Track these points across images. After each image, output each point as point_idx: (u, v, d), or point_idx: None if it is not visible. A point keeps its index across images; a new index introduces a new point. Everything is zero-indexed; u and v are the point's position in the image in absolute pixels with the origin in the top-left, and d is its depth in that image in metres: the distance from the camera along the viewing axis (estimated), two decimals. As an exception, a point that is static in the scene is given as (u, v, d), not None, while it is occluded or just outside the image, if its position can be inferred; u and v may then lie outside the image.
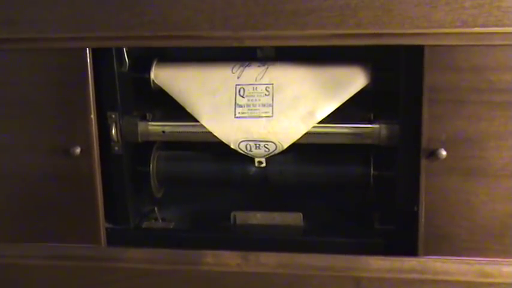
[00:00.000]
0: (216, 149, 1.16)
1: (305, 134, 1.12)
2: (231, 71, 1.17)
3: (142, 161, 1.19)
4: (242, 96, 1.16)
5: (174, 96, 1.16)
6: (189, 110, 1.15)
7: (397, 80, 1.05)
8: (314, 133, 1.13)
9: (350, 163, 1.18)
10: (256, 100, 1.15)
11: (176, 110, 1.16)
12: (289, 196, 1.24)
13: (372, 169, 1.14)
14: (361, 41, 1.02)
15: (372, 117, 1.12)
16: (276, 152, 1.14)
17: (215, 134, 1.16)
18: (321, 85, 1.17)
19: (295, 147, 1.13)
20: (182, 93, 1.17)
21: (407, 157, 1.05)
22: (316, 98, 1.14)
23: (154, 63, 1.19)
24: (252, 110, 1.15)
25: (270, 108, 1.15)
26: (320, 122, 1.13)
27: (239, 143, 1.17)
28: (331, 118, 1.12)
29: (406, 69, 1.03)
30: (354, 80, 1.13)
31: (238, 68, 1.17)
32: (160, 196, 1.25)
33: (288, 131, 1.14)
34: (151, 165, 1.20)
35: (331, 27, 1.02)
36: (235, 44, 1.05)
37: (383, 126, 1.11)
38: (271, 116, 1.17)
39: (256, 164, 1.18)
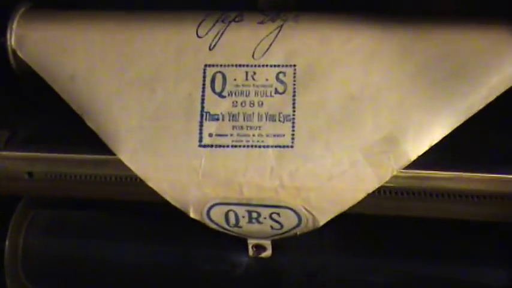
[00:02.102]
0: (159, 214, 0.56)
1: (377, 190, 0.48)
2: (195, 33, 0.52)
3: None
4: (219, 95, 0.51)
5: (59, 90, 0.53)
6: (93, 126, 0.51)
7: None
8: (396, 189, 0.50)
9: (472, 258, 0.54)
10: (252, 105, 0.50)
11: (63, 125, 0.55)
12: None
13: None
14: None
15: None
16: (300, 230, 0.51)
17: (152, 185, 0.50)
18: (414, 73, 0.49)
19: (343, 218, 0.50)
20: (79, 84, 0.52)
21: None
22: (405, 103, 0.49)
23: (19, 12, 0.56)
24: (242, 128, 0.50)
25: (287, 126, 0.49)
26: (412, 166, 0.48)
27: (209, 207, 0.50)
28: (438, 157, 0.49)
29: None
30: (494, 66, 0.49)
31: (212, 25, 0.53)
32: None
33: (333, 184, 0.49)
34: (7, 243, 0.58)
35: None
36: None
37: None
38: (290, 146, 0.49)
39: (251, 253, 0.55)
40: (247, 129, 0.49)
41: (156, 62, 0.51)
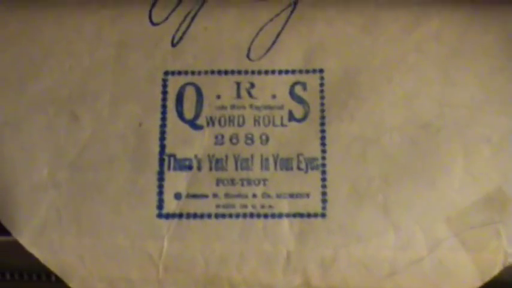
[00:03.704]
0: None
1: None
2: (146, 18, 0.31)
3: None
4: (192, 124, 0.29)
5: None
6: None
7: None
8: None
9: None
10: (251, 141, 0.29)
11: None
12: None
13: None
14: None
15: None
16: None
17: (75, 286, 0.28)
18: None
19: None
20: None
21: None
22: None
23: None
24: (233, 183, 0.28)
25: (313, 178, 0.28)
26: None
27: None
28: None
29: None
30: None
31: (176, 5, 0.31)
32: None
33: (398, 281, 0.27)
34: None
35: None
36: None
37: None
38: (320, 215, 0.28)
39: None
40: (241, 184, 0.28)
41: (80, 70, 0.30)
